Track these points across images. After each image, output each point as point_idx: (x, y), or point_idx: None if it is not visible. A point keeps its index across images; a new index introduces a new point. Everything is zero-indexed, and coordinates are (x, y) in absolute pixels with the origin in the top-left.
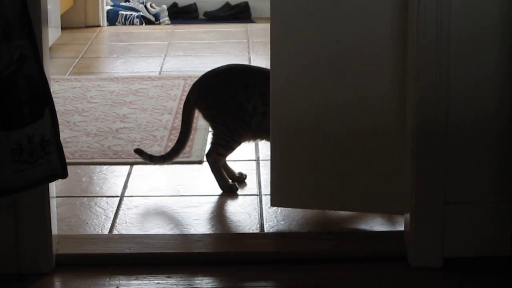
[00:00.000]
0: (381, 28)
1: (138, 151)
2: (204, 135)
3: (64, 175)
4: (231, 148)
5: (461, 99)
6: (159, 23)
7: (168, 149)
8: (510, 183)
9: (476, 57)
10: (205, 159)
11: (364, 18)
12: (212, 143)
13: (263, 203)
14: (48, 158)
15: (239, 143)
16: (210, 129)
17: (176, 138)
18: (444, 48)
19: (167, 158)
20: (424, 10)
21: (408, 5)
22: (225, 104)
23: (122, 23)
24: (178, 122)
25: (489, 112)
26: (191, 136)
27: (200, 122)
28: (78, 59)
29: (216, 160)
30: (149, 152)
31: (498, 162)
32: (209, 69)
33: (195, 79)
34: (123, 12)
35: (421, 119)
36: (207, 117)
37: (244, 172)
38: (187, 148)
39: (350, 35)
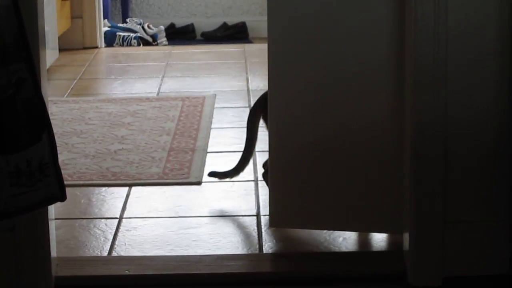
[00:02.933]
0: (379, 48)
1: (213, 174)
2: (202, 156)
3: (62, 198)
4: None
5: (459, 121)
6: (157, 44)
7: (168, 172)
8: (509, 202)
9: (474, 78)
10: (204, 180)
11: (362, 39)
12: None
13: (262, 224)
14: (47, 181)
15: None
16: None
17: (175, 159)
18: (441, 69)
19: (239, 168)
20: (421, 30)
21: (406, 25)
22: None
23: (120, 44)
24: (177, 143)
25: (488, 133)
26: (189, 158)
27: (198, 143)
28: (76, 80)
29: None
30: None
31: (497, 181)
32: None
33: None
34: (120, 33)
35: (420, 140)
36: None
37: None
38: (185, 169)
39: (347, 56)
